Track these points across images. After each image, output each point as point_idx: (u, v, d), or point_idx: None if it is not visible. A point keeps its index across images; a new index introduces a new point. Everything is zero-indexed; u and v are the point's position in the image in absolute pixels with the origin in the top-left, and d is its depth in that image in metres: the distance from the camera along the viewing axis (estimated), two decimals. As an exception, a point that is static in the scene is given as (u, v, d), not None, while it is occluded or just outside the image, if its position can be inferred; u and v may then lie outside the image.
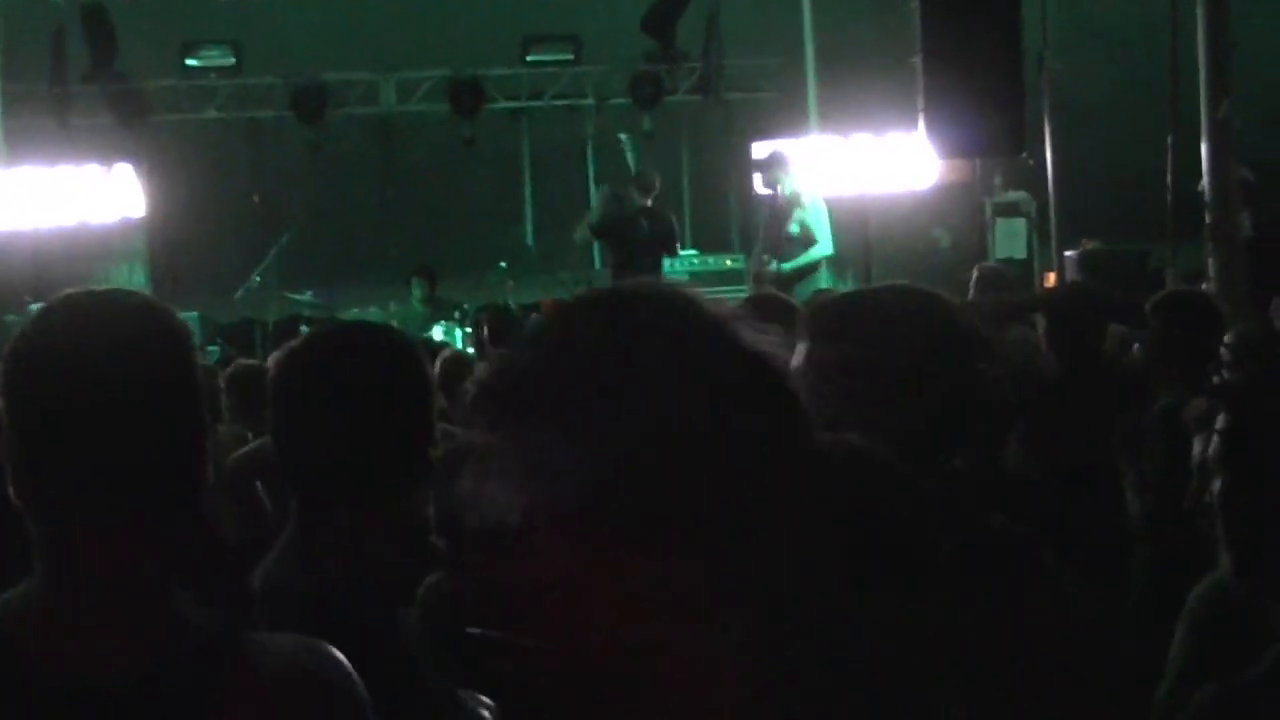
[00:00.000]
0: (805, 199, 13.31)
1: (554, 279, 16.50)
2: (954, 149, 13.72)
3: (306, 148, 18.14)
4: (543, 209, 19.84)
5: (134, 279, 14.86)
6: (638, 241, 13.88)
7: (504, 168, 19.30)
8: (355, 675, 1.93)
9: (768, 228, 13.27)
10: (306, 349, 2.73)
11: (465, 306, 14.64)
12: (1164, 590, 5.37)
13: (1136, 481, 5.58)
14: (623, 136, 14.93)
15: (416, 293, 14.80)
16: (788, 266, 12.90)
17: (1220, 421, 2.60)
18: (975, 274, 10.60)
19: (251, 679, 1.84)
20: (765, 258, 13.02)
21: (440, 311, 14.44)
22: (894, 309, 2.62)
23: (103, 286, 1.89)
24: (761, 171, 13.36)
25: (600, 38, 18.51)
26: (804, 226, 13.09)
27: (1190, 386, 5.72)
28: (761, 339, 1.35)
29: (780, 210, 13.17)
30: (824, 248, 13.26)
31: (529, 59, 18.57)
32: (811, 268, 13.11)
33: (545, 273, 16.55)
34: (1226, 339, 6.49)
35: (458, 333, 14.12)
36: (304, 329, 11.35)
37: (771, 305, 6.25)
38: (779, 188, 13.28)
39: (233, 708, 1.78)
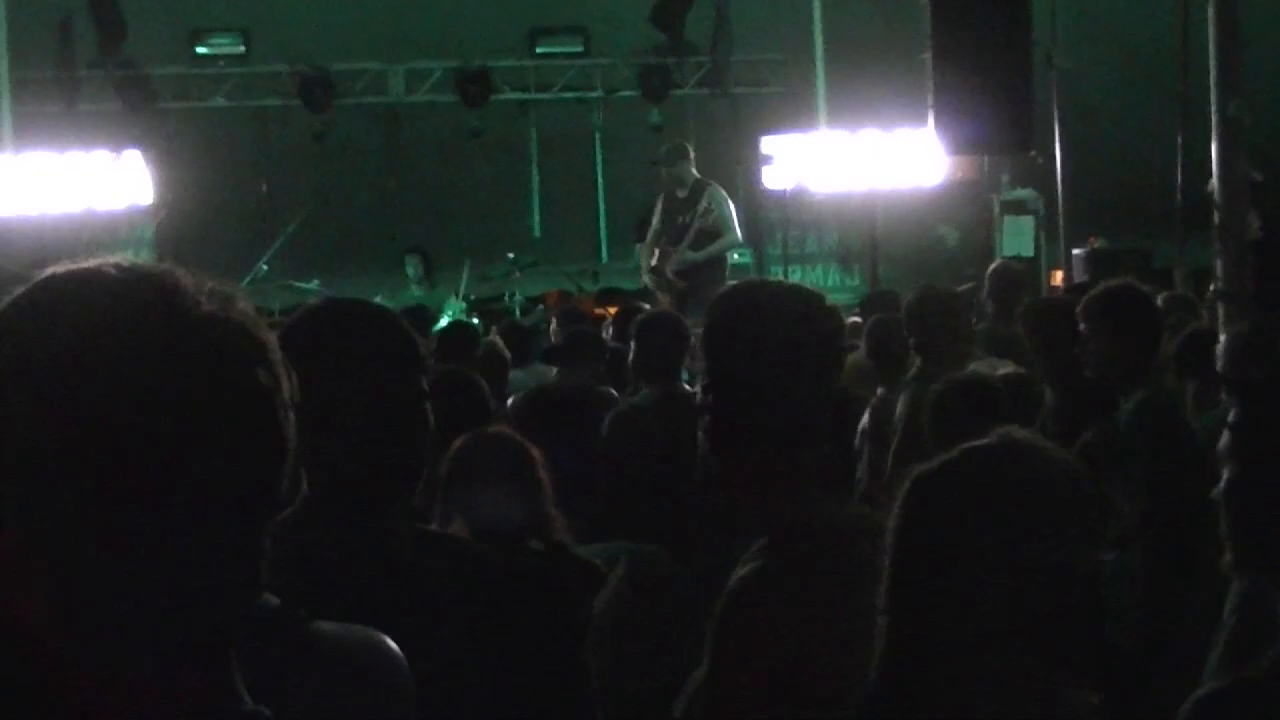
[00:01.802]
0: (709, 189, 13.02)
1: (560, 270, 16.51)
2: (962, 146, 13.70)
3: (314, 137, 18.15)
4: (549, 201, 19.86)
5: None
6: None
7: (511, 159, 19.31)
8: (408, 668, 1.94)
9: (668, 217, 12.84)
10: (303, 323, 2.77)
11: (471, 296, 14.57)
12: (1167, 584, 5.38)
13: (1123, 486, 5.54)
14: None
15: (410, 272, 14.63)
16: (699, 255, 12.59)
17: (1231, 415, 2.62)
18: (990, 271, 10.57)
19: (313, 659, 1.83)
20: (674, 248, 12.61)
21: (437, 293, 14.29)
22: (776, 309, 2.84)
23: None
24: (663, 162, 12.96)
25: (608, 30, 18.51)
26: (711, 215, 12.77)
27: (1147, 383, 5.72)
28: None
29: (682, 201, 12.85)
30: (734, 237, 13.00)
31: (537, 50, 18.57)
32: (721, 257, 12.80)
33: (551, 264, 16.56)
34: (1229, 336, 6.49)
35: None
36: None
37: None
38: (682, 178, 12.84)
39: (294, 688, 1.76)
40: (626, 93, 18.55)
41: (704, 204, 12.69)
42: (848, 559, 2.49)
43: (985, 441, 2.27)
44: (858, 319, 9.35)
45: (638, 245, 13.04)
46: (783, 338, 2.78)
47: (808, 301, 2.90)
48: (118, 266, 1.44)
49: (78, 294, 1.42)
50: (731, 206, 13.03)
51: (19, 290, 1.43)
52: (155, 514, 1.38)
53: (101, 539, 1.37)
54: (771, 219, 16.97)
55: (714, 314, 2.88)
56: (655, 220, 12.95)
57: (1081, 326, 5.89)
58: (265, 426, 1.44)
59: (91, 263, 1.44)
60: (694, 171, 12.86)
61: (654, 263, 12.69)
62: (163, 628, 1.40)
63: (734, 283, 3.34)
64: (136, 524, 1.38)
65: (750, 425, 2.76)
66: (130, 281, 1.42)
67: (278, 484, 1.47)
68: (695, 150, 13.32)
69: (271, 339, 1.47)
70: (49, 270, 1.44)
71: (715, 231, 12.66)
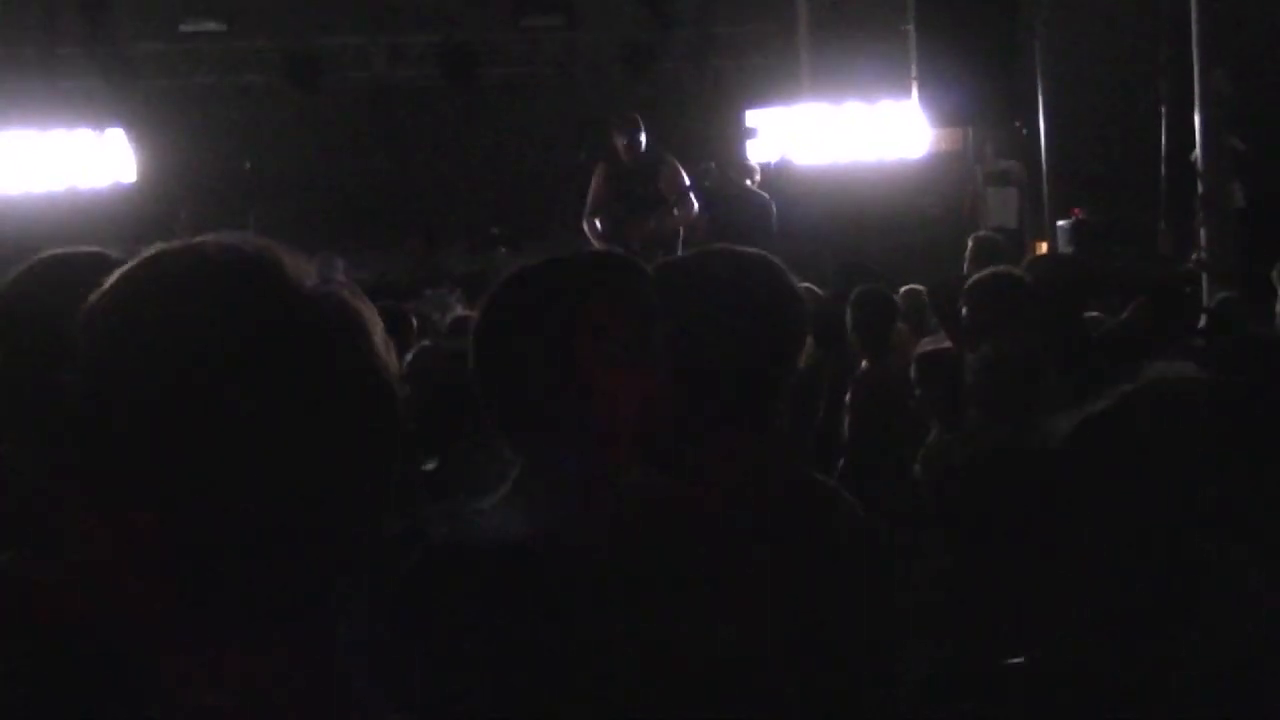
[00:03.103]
0: (667, 158, 12.78)
1: (546, 246, 16.46)
2: (946, 117, 13.72)
3: (298, 113, 18.10)
4: (536, 175, 19.81)
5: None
6: (733, 225, 13.05)
7: (497, 134, 19.25)
8: None
9: (620, 187, 12.47)
10: None
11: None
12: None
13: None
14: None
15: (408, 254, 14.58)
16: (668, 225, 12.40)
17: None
18: (971, 244, 10.58)
19: None
20: (641, 218, 12.34)
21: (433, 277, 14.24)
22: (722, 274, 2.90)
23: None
24: (617, 131, 12.65)
25: (593, 4, 18.47)
26: (669, 185, 12.46)
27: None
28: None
29: (635, 171, 12.62)
30: (694, 206, 12.65)
31: (521, 25, 18.52)
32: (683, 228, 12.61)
33: (538, 239, 16.53)
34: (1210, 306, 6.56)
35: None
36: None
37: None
38: (637, 148, 12.46)
39: None
40: (611, 66, 18.51)
41: (665, 171, 12.51)
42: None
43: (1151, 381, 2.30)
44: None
45: (586, 224, 12.70)
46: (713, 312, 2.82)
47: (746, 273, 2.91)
48: (219, 245, 1.44)
49: (185, 274, 1.42)
50: (685, 175, 12.85)
51: (122, 270, 1.43)
52: (269, 490, 1.38)
53: (218, 518, 1.38)
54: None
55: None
56: (598, 191, 12.64)
57: None
58: (375, 402, 1.45)
59: (194, 240, 1.44)
60: (646, 140, 12.62)
61: (606, 232, 12.42)
62: (262, 603, 1.42)
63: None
64: (251, 501, 1.38)
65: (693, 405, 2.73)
66: (235, 261, 1.42)
67: (391, 461, 1.48)
68: (679, 124, 13.22)
69: (372, 313, 1.47)
70: (154, 248, 1.44)
71: (682, 201, 12.50)
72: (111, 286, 1.43)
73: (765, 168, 14.94)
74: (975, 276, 6.74)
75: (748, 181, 13.76)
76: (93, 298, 1.43)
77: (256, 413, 1.37)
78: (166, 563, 1.39)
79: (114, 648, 1.42)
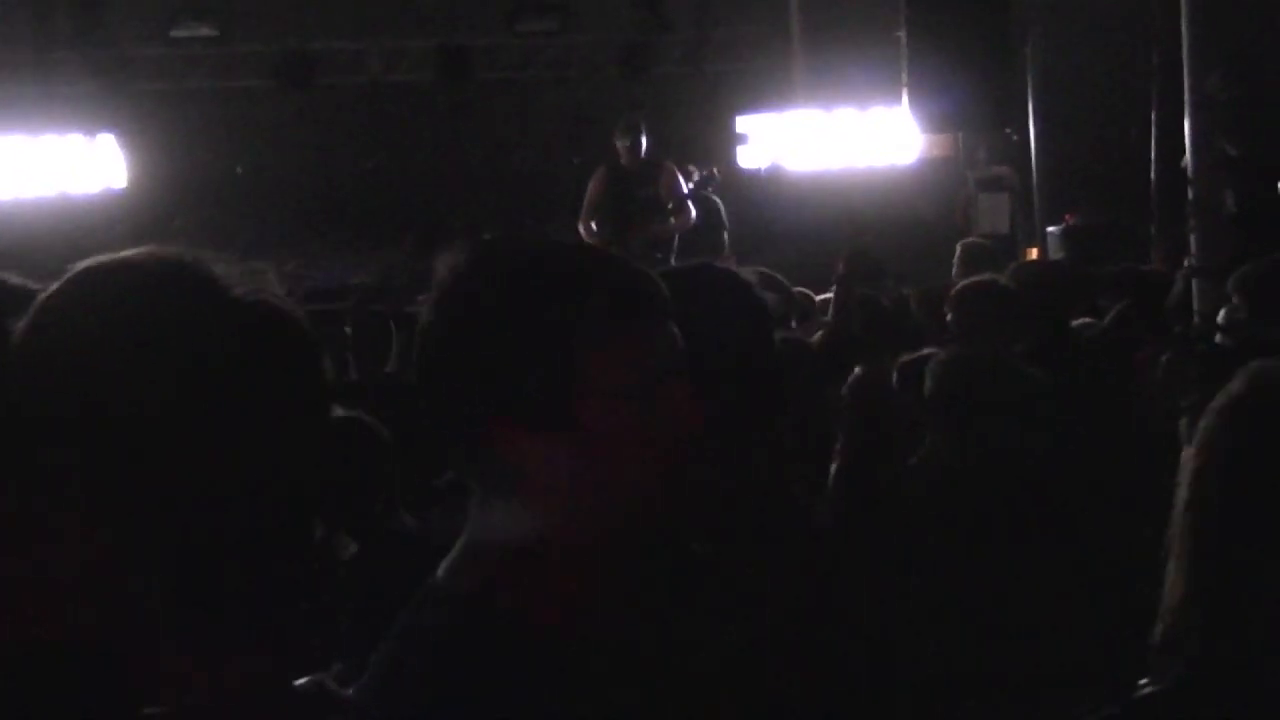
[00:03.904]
0: (666, 163, 12.73)
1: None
2: (937, 123, 13.73)
3: (292, 116, 18.09)
4: (531, 178, 19.79)
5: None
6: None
7: (492, 137, 19.25)
8: None
9: (619, 191, 12.49)
10: None
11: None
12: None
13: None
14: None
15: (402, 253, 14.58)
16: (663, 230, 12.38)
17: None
18: (959, 250, 10.58)
19: None
20: (643, 223, 12.31)
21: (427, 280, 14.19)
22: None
23: None
24: (619, 134, 12.58)
25: (587, 7, 18.47)
26: (667, 191, 12.53)
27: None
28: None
29: (635, 175, 12.54)
30: (692, 212, 12.71)
31: (517, 29, 18.52)
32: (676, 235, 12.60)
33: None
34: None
35: None
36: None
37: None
38: (639, 151, 12.53)
39: None
40: (607, 70, 18.50)
41: (664, 177, 12.53)
42: None
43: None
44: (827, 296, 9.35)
45: (582, 225, 12.67)
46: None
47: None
48: (152, 255, 1.48)
49: (118, 284, 1.46)
50: (683, 182, 12.85)
51: (58, 283, 1.47)
52: (203, 493, 1.41)
53: (152, 521, 1.40)
54: (747, 198, 16.97)
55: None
56: (597, 195, 12.67)
57: None
58: (307, 406, 1.49)
59: (126, 252, 1.48)
60: (646, 145, 12.62)
61: (603, 234, 12.39)
62: (205, 607, 1.44)
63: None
64: (185, 503, 1.41)
65: None
66: (167, 269, 1.46)
67: (320, 462, 1.51)
68: (672, 129, 13.21)
69: (303, 316, 1.52)
70: (85, 262, 1.48)
71: (666, 205, 12.49)
72: (45, 301, 1.46)
73: (755, 174, 14.94)
74: (960, 284, 6.76)
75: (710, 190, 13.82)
76: (34, 308, 1.46)
77: (188, 416, 1.40)
78: (139, 566, 1.41)
79: (108, 650, 1.43)
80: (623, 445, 1.88)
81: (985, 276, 6.74)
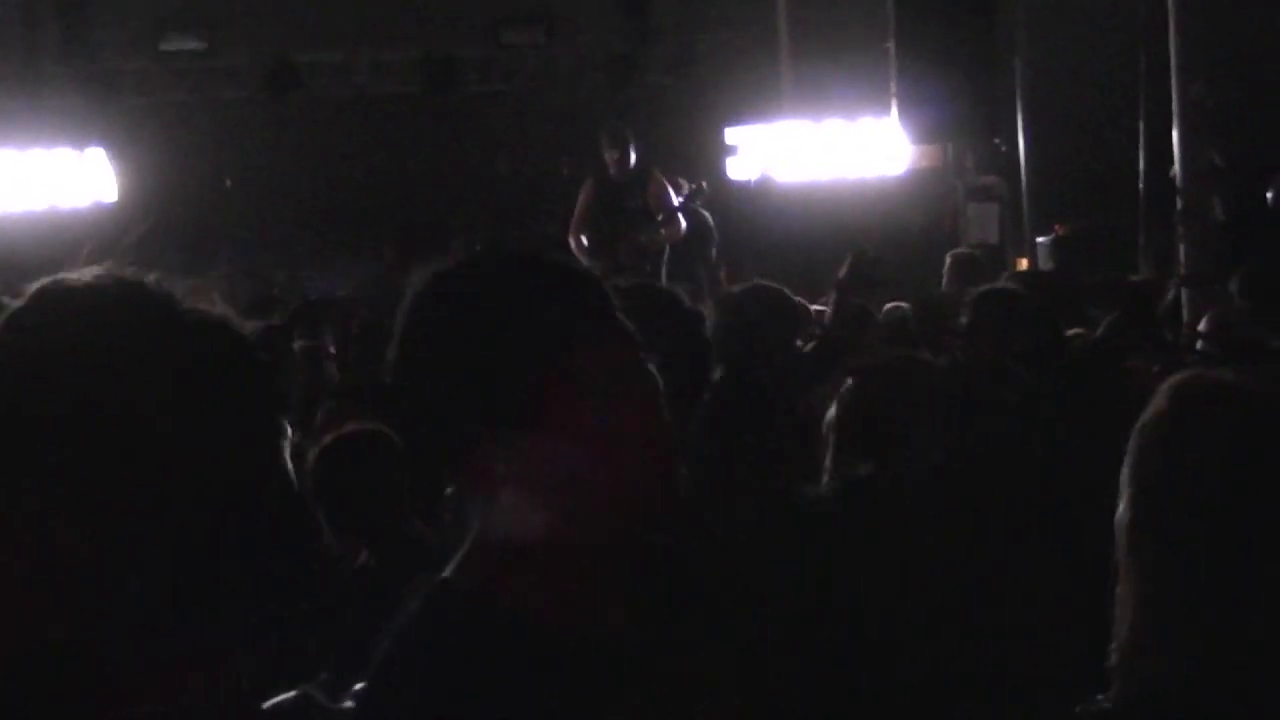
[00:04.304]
0: (654, 172, 12.73)
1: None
2: (926, 134, 13.74)
3: (280, 128, 18.07)
4: (517, 189, 19.78)
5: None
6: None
7: (478, 148, 19.24)
8: None
9: (608, 201, 12.49)
10: None
11: None
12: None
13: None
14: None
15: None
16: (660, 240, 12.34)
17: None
18: (949, 260, 10.60)
19: None
20: (632, 232, 12.26)
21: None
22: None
23: None
24: (609, 143, 12.52)
25: (574, 18, 18.47)
26: (656, 201, 12.52)
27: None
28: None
29: (622, 185, 12.55)
30: (681, 223, 12.69)
31: (502, 39, 18.52)
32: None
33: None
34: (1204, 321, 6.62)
35: None
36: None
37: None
38: (628, 160, 12.54)
39: None
40: (592, 80, 18.50)
41: (652, 188, 12.50)
42: None
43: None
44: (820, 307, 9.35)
45: (572, 238, 12.62)
46: None
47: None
48: (105, 275, 1.54)
49: (72, 304, 1.51)
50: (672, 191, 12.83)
51: (15, 303, 1.53)
52: (158, 504, 1.45)
53: (107, 530, 1.44)
54: (737, 210, 16.97)
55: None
56: (586, 205, 12.65)
57: None
58: (253, 417, 1.53)
59: (82, 273, 1.55)
60: (635, 153, 12.60)
61: (593, 246, 12.35)
62: (158, 617, 1.46)
63: None
64: (139, 515, 1.45)
65: None
66: (118, 289, 1.52)
67: (270, 472, 1.55)
68: (661, 141, 13.18)
69: (248, 333, 1.57)
70: (41, 283, 1.55)
71: (656, 214, 12.47)
72: (11, 317, 1.52)
73: (744, 185, 14.94)
74: (981, 288, 6.77)
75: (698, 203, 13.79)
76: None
77: (129, 424, 1.45)
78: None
79: (69, 659, 1.44)
80: (599, 442, 1.93)
81: (1003, 283, 6.80)
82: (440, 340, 1.97)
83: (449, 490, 3.25)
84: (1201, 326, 8.04)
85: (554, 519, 1.93)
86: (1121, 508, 2.20)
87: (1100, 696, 2.18)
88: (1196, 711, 2.09)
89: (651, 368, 2.01)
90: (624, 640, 1.97)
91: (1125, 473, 2.21)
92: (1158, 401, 2.21)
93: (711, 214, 14.08)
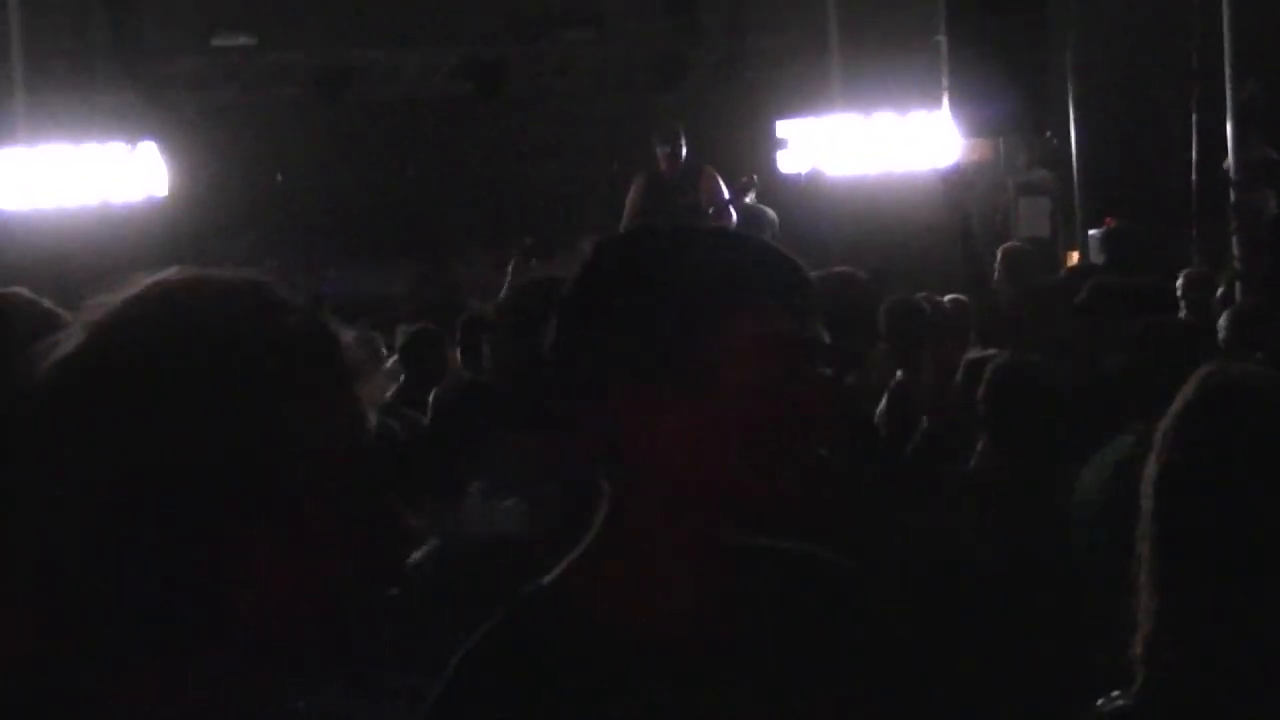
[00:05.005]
0: (706, 169, 12.77)
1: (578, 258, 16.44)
2: (978, 128, 13.71)
3: (329, 126, 18.13)
4: (567, 188, 19.83)
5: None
6: None
7: (528, 146, 19.27)
8: None
9: (659, 197, 12.53)
10: None
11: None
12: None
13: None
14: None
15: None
16: None
17: None
18: (1000, 254, 10.57)
19: None
20: None
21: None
22: None
23: None
24: (663, 139, 12.50)
25: (622, 16, 18.48)
26: (708, 196, 12.56)
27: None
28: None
29: (674, 181, 12.60)
30: (733, 217, 12.63)
31: (552, 40, 18.54)
32: None
33: (568, 251, 16.52)
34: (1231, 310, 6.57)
35: None
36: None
37: None
38: (679, 156, 12.60)
39: None
40: (642, 78, 18.51)
41: (704, 183, 12.51)
42: None
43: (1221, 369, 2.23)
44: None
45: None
46: None
47: None
48: (214, 277, 1.52)
49: (185, 304, 1.48)
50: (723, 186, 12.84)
51: (126, 298, 1.49)
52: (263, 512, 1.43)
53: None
54: (787, 203, 16.96)
55: None
56: (637, 202, 12.69)
57: None
58: (351, 424, 1.51)
59: (189, 273, 1.52)
60: (685, 148, 12.62)
61: None
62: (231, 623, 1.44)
63: None
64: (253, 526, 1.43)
65: None
66: (230, 290, 1.51)
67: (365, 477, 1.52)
68: (710, 136, 13.16)
69: (345, 338, 1.55)
70: (152, 279, 1.51)
71: (720, 213, 12.50)
72: (119, 310, 1.48)
73: (795, 179, 14.92)
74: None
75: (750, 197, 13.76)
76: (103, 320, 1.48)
77: (238, 437, 1.42)
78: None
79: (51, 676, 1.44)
80: (750, 416, 1.86)
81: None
82: (612, 304, 1.92)
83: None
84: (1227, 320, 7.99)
85: (674, 503, 1.88)
86: (1145, 499, 2.19)
87: (1116, 693, 2.17)
88: (1216, 707, 2.08)
89: (825, 368, 1.94)
90: (724, 665, 1.89)
91: (1150, 463, 2.20)
92: (1185, 393, 2.21)
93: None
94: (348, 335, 1.53)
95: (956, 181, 15.19)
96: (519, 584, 1.96)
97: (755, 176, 13.94)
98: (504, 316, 3.32)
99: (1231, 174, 11.61)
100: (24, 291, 2.71)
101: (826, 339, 1.95)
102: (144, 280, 1.51)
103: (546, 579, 1.95)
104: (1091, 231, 14.41)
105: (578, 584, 1.92)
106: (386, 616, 2.66)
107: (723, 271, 1.90)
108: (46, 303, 2.68)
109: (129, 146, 16.16)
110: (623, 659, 1.84)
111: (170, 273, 1.52)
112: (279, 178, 17.89)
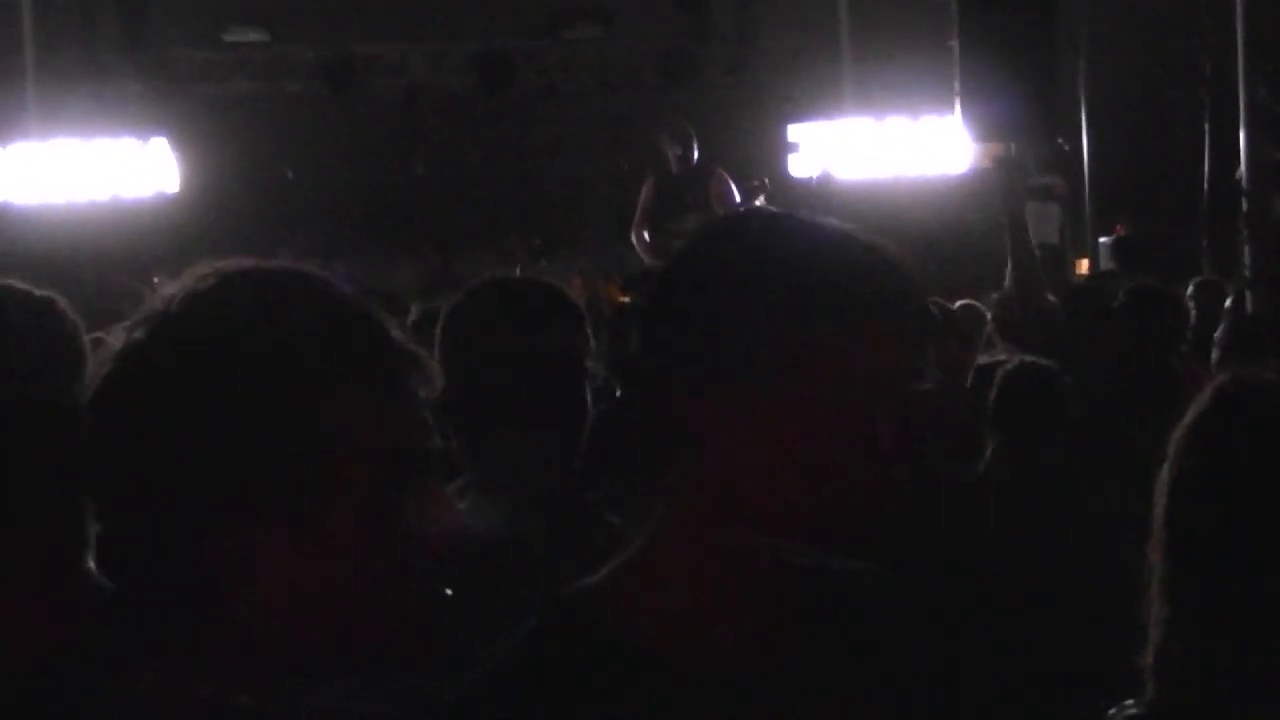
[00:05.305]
0: (717, 170, 12.60)
1: (584, 256, 16.45)
2: (990, 132, 13.67)
3: (338, 120, 18.13)
4: (572, 185, 19.82)
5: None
6: None
7: (534, 143, 19.27)
8: None
9: (668, 196, 12.38)
10: None
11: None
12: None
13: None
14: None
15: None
16: None
17: None
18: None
19: None
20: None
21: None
22: None
23: None
24: (670, 139, 12.41)
25: (632, 13, 18.47)
26: (718, 198, 12.35)
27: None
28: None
29: (683, 180, 12.44)
30: None
31: (560, 35, 18.53)
32: None
33: (573, 249, 16.51)
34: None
35: None
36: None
37: None
38: (691, 157, 12.45)
39: None
40: (649, 77, 18.49)
41: (714, 184, 12.47)
42: None
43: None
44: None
45: (634, 234, 12.60)
46: None
47: None
48: (272, 266, 1.60)
49: (255, 291, 1.55)
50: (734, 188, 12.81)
51: (196, 285, 1.54)
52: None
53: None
54: (798, 207, 16.92)
55: None
56: (648, 204, 12.68)
57: None
58: (404, 407, 1.56)
59: (248, 263, 1.59)
60: (697, 148, 12.58)
61: (655, 244, 12.31)
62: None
63: None
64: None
65: None
66: (292, 279, 1.58)
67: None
68: (720, 138, 13.13)
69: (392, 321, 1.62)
70: (219, 267, 1.57)
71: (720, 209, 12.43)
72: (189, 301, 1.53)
73: (806, 183, 14.92)
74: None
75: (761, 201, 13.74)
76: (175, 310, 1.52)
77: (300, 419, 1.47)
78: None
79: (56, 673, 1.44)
80: (830, 428, 1.74)
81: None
82: (704, 301, 1.79)
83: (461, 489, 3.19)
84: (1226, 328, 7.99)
85: (752, 528, 1.77)
86: (1158, 505, 2.18)
87: (1130, 702, 2.17)
88: (1231, 715, 2.07)
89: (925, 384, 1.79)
90: (773, 687, 1.80)
91: (1165, 471, 2.19)
92: (1201, 400, 2.20)
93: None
94: (396, 328, 1.58)
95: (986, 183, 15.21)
96: (519, 584, 1.92)
97: (767, 180, 13.92)
98: (447, 326, 3.27)
99: (1244, 182, 11.60)
100: (16, 283, 2.71)
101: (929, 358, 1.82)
102: (204, 270, 1.56)
103: (586, 583, 1.85)
104: (1102, 239, 14.40)
105: (618, 592, 1.82)
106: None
107: (848, 278, 1.80)
108: (39, 291, 2.69)
109: (140, 142, 16.16)
110: (663, 675, 1.76)
111: (228, 264, 1.58)
112: (289, 174, 17.89)
